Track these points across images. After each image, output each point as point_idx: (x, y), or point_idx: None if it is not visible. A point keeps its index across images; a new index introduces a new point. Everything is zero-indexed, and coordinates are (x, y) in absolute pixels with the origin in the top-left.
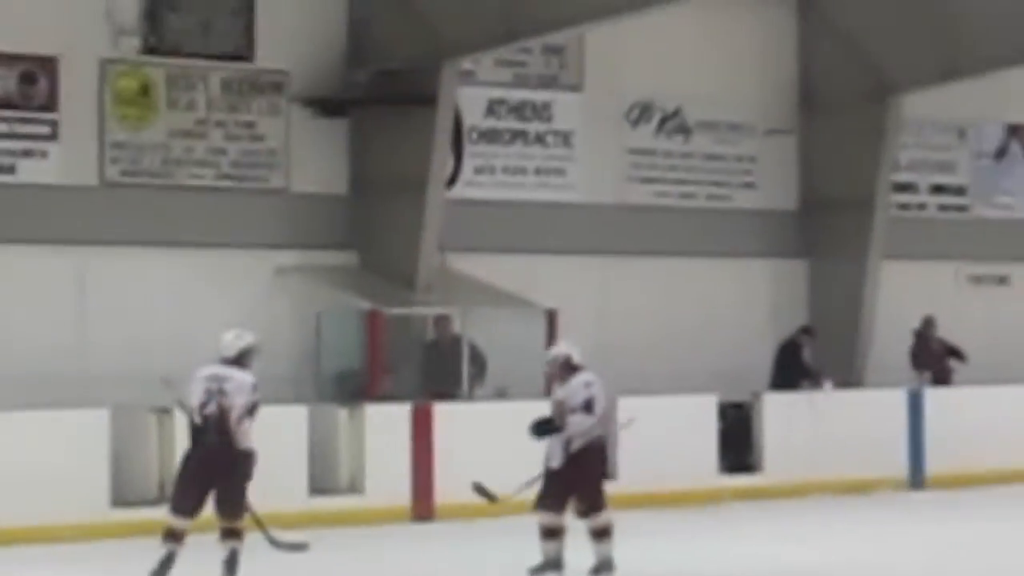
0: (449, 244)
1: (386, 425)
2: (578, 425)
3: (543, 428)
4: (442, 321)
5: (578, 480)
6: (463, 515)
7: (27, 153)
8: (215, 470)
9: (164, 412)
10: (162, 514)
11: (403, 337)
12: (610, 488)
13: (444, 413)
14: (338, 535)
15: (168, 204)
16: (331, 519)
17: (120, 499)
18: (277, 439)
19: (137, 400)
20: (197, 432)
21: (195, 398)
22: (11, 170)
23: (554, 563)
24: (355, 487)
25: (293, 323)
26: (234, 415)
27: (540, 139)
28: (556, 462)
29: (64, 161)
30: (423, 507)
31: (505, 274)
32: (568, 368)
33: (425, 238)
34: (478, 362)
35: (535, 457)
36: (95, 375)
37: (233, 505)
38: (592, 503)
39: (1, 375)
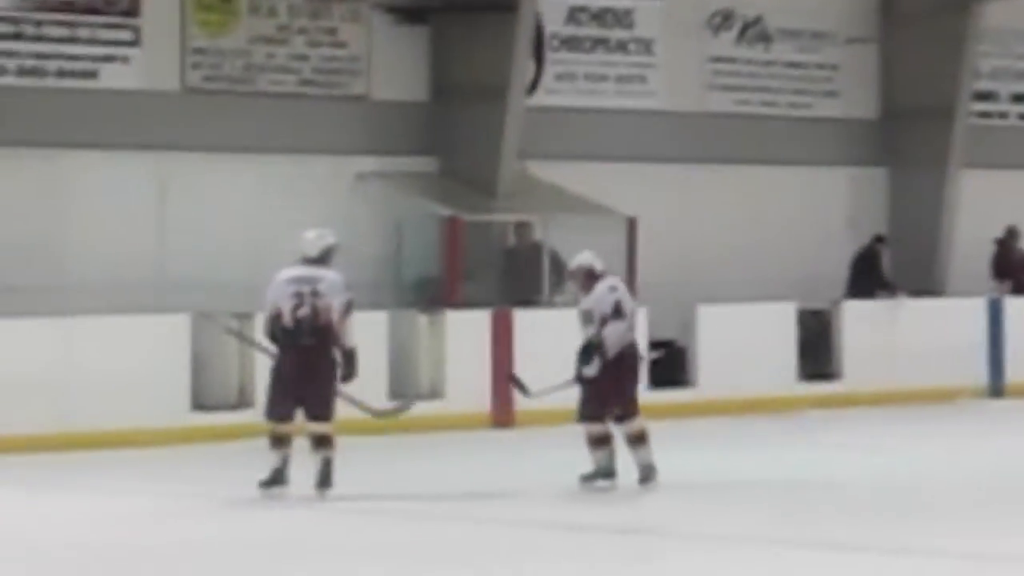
0: (529, 151)
1: (466, 331)
2: (612, 333)
3: (588, 354)
4: (522, 228)
5: (614, 387)
6: (543, 422)
7: (109, 58)
8: (311, 372)
9: (244, 318)
10: (241, 419)
11: (483, 244)
12: (689, 395)
13: (524, 319)
14: (418, 440)
15: (249, 110)
16: (411, 424)
17: (200, 404)
18: (359, 344)
19: (216, 306)
20: (288, 335)
21: (283, 301)
22: (93, 75)
23: (605, 471)
24: (435, 393)
25: (373, 229)
26: (335, 315)
27: (621, 46)
28: (592, 371)
29: (145, 66)
30: (503, 413)
31: (585, 181)
32: (592, 277)
33: (505, 145)
34: (558, 269)
35: None
36: (174, 281)
37: (326, 406)
38: (627, 409)
39: (82, 281)
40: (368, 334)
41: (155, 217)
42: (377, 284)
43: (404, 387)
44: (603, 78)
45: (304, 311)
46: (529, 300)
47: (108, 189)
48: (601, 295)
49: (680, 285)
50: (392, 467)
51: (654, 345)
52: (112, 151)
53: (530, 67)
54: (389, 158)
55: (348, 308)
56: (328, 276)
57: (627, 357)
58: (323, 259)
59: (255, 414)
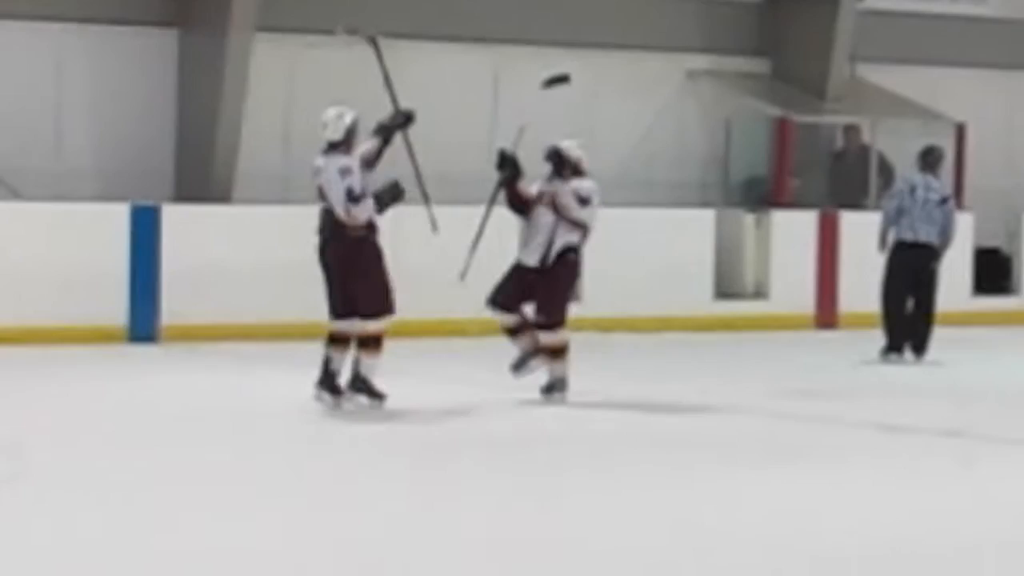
0: (860, 54)
1: (792, 232)
2: (567, 208)
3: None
4: (851, 131)
5: (545, 288)
6: (866, 324)
7: None
8: (330, 272)
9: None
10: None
11: (811, 145)
12: (1014, 303)
13: (850, 222)
14: (742, 339)
15: (582, 5)
16: (736, 324)
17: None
18: (684, 243)
19: None
20: None
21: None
22: None
23: (533, 354)
24: (760, 292)
25: (702, 128)
26: (339, 210)
27: None
28: (532, 260)
29: None
30: (827, 314)
31: (914, 86)
32: (575, 170)
33: (836, 48)
34: (885, 172)
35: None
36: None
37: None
38: (552, 317)
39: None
40: (695, 232)
41: (488, 110)
42: (705, 183)
43: (730, 286)
44: None
45: (321, 204)
46: (856, 203)
47: (442, 80)
48: (582, 184)
49: (1007, 192)
50: (718, 364)
51: (980, 253)
52: (446, 42)
53: None
54: (721, 57)
55: (349, 196)
56: (327, 170)
57: (569, 261)
58: (347, 141)
59: (582, 308)
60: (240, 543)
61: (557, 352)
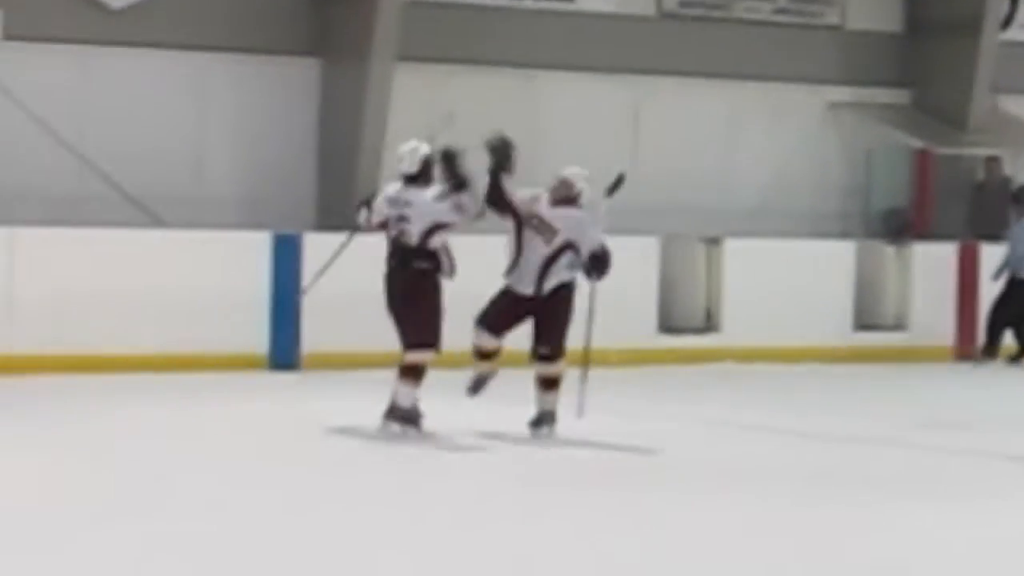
0: (1001, 86)
1: (932, 263)
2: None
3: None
4: (992, 162)
5: (544, 319)
6: (1003, 355)
7: None
8: (392, 298)
9: (713, 243)
10: (708, 342)
11: (952, 177)
12: None
13: (990, 254)
14: (881, 371)
15: (724, 36)
16: (875, 355)
17: (667, 327)
18: (824, 273)
19: (685, 229)
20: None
21: (377, 216)
22: None
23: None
24: (900, 324)
25: (843, 159)
26: (414, 239)
27: None
28: (528, 290)
29: None
30: (966, 346)
31: None
32: (570, 199)
33: (978, 79)
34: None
35: None
36: (645, 204)
37: (411, 335)
38: (555, 349)
39: None
40: (835, 263)
41: (628, 140)
42: (846, 214)
43: (870, 317)
44: None
45: (392, 233)
46: (996, 234)
47: (582, 111)
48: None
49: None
50: (857, 396)
51: None
52: (587, 73)
53: (1005, 2)
54: (862, 88)
55: (440, 226)
56: (418, 200)
57: (564, 295)
58: (424, 174)
59: (721, 337)
60: (375, 569)
61: (554, 383)
